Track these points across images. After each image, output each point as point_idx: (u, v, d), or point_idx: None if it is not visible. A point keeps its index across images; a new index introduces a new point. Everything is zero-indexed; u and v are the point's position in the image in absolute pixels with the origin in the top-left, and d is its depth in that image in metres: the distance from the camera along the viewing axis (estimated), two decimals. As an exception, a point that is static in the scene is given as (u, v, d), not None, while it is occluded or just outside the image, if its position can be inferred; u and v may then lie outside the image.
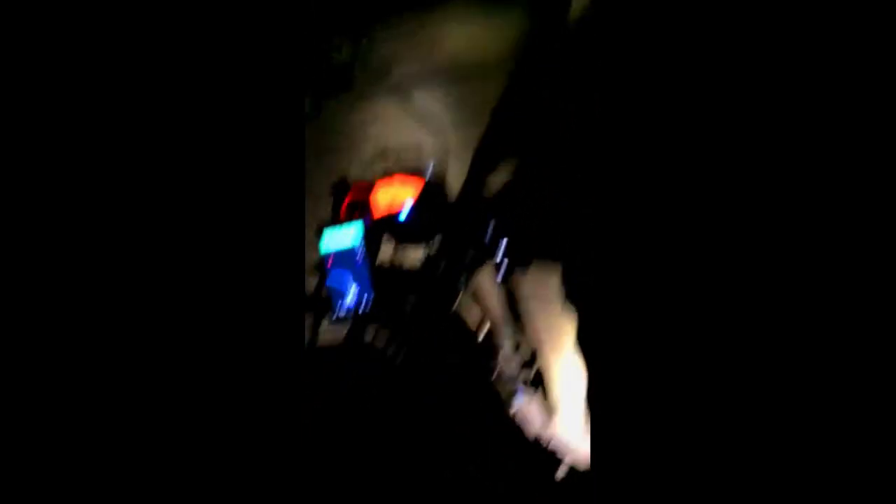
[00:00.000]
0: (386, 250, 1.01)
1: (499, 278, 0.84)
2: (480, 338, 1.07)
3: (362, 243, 0.90)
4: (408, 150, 1.07)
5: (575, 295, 0.65)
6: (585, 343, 0.64)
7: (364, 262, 0.88)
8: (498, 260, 0.79)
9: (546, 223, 0.66)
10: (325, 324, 0.95)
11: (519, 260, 0.74)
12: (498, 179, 0.72)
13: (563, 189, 0.64)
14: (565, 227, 0.64)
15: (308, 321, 0.95)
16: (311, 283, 0.99)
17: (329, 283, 0.90)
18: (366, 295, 0.88)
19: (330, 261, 0.91)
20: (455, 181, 1.04)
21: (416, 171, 1.00)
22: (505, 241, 0.73)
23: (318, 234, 0.95)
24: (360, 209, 1.00)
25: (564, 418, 0.89)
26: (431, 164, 1.02)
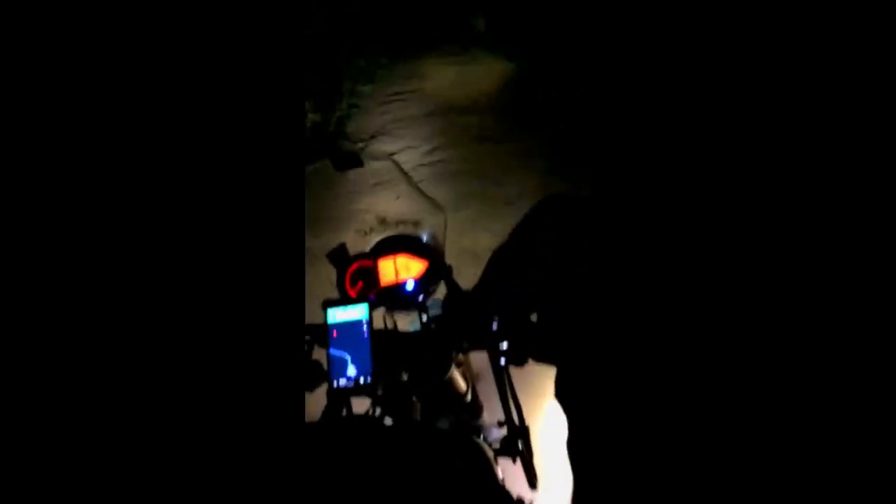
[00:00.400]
0: (379, 318, 1.06)
1: (494, 366, 0.89)
2: (468, 399, 1.12)
3: (368, 320, 0.94)
4: (406, 222, 1.14)
5: (564, 395, 0.68)
6: (572, 449, 0.65)
7: (368, 338, 0.92)
8: (496, 356, 0.83)
9: (547, 331, 0.72)
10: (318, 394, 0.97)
11: (517, 360, 0.78)
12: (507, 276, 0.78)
13: (564, 282, 0.70)
14: (563, 323, 0.69)
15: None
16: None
17: (332, 353, 0.93)
18: (366, 370, 0.91)
19: (334, 332, 0.95)
20: (451, 256, 1.12)
21: (416, 249, 1.06)
22: (505, 344, 0.77)
23: (323, 306, 0.98)
24: (364, 278, 1.05)
25: (547, 491, 0.95)
26: (430, 238, 1.09)
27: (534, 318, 0.70)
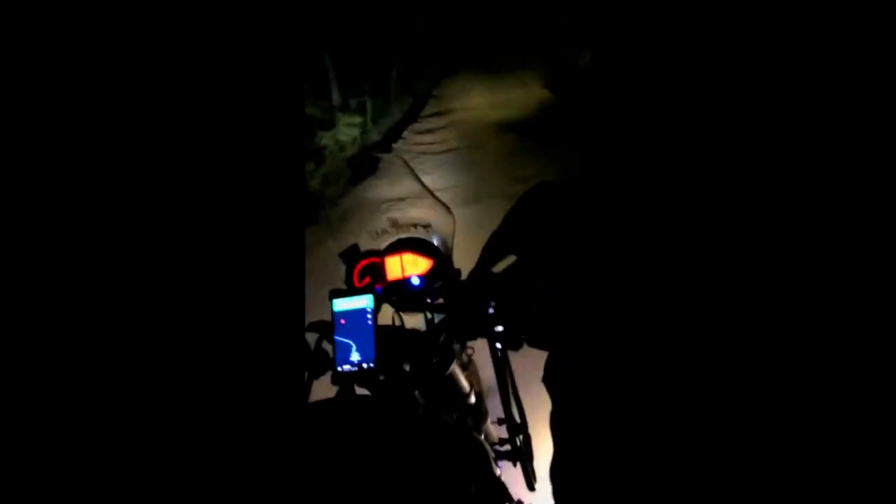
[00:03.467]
0: (386, 315, 1.08)
1: (493, 356, 0.90)
2: (471, 401, 1.13)
3: (373, 308, 0.97)
4: (417, 225, 1.18)
5: (552, 380, 0.68)
6: (554, 421, 0.66)
7: (372, 325, 0.95)
8: (493, 340, 0.85)
9: (542, 314, 0.72)
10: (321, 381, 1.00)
11: (512, 343, 0.79)
12: (502, 263, 0.80)
13: (562, 278, 0.71)
14: (558, 319, 0.70)
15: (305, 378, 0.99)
16: (313, 340, 1.05)
17: (337, 339, 0.96)
18: (369, 357, 0.94)
19: (340, 321, 0.97)
20: (459, 256, 1.14)
21: (423, 248, 1.09)
22: (501, 327, 0.78)
23: (330, 296, 1.02)
24: (371, 273, 1.08)
25: (546, 495, 0.94)
26: (440, 242, 1.12)
27: (529, 301, 0.71)
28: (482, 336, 0.85)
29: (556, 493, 0.60)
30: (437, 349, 0.97)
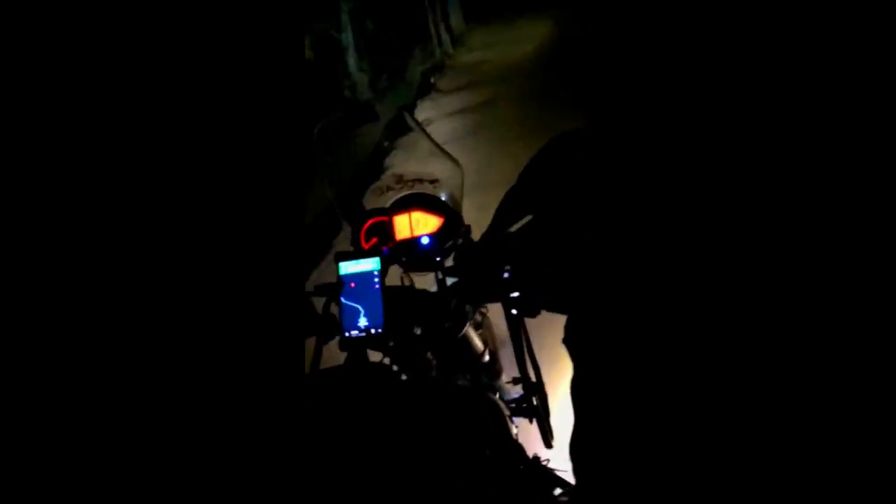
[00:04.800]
0: (394, 276, 1.05)
1: (508, 320, 0.87)
2: (485, 359, 1.11)
3: (380, 271, 0.93)
4: (423, 180, 1.12)
5: (571, 341, 0.67)
6: (576, 387, 0.64)
7: (380, 289, 0.92)
8: (508, 306, 0.82)
9: (559, 280, 0.70)
10: (330, 345, 0.98)
11: (528, 310, 0.77)
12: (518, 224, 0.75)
13: (576, 238, 0.68)
14: (575, 277, 0.67)
15: (312, 343, 0.98)
16: (320, 306, 1.03)
17: (343, 304, 0.93)
18: (377, 321, 0.91)
19: (347, 284, 0.95)
20: (468, 214, 1.09)
21: (432, 205, 1.04)
22: (517, 293, 0.75)
23: (336, 259, 0.98)
24: (379, 234, 1.04)
25: (563, 450, 0.94)
26: (449, 197, 1.07)
27: (546, 264, 0.67)
28: (497, 301, 0.82)
29: (577, 467, 0.58)
30: (450, 313, 0.95)
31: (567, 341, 0.64)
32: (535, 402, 0.98)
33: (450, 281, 1.00)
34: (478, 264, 0.81)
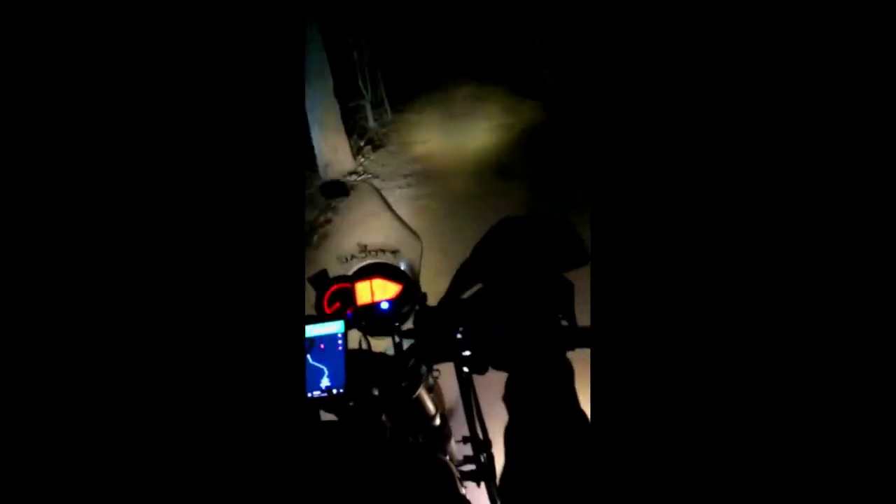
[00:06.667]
0: (354, 339, 1.11)
1: (459, 378, 0.94)
2: (436, 423, 1.16)
3: (343, 334, 0.99)
4: (385, 251, 1.21)
5: (510, 397, 0.70)
6: (508, 435, 0.67)
7: (343, 351, 0.97)
8: (459, 364, 0.88)
9: (505, 341, 0.75)
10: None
11: (477, 368, 0.83)
12: (469, 288, 0.84)
13: (527, 303, 0.77)
14: (524, 340, 0.75)
15: None
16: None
17: (308, 365, 0.98)
18: (340, 382, 0.96)
19: (310, 346, 0.99)
20: (426, 282, 1.18)
21: (392, 273, 1.13)
22: (468, 352, 0.82)
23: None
24: (342, 299, 1.11)
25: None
26: (408, 267, 1.16)
27: (494, 328, 0.76)
28: (449, 360, 0.89)
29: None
30: (406, 373, 1.01)
31: (506, 398, 0.72)
32: (482, 461, 1.03)
33: (406, 344, 1.07)
34: (433, 325, 0.88)
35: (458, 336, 0.80)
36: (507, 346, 0.74)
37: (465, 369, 0.82)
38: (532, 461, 0.62)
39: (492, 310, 0.75)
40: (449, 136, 6.00)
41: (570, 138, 5.07)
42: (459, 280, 0.81)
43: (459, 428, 1.14)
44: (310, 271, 1.22)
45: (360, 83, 6.22)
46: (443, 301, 0.84)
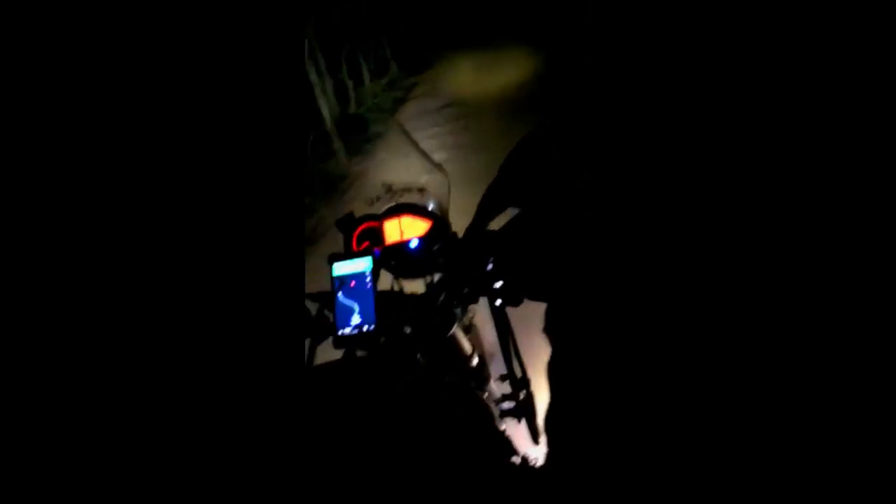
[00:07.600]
0: (386, 281, 1.08)
1: (493, 313, 0.90)
2: (473, 363, 1.14)
3: (372, 271, 0.97)
4: (411, 189, 1.17)
5: (552, 330, 0.68)
6: (552, 372, 0.65)
7: (372, 288, 0.95)
8: (492, 297, 0.85)
9: (541, 265, 0.72)
10: (323, 345, 1.00)
11: (511, 299, 0.79)
12: (498, 220, 0.79)
13: (558, 233, 0.71)
14: (558, 269, 0.70)
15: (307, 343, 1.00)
16: (314, 309, 1.05)
17: (337, 303, 0.96)
18: (370, 319, 0.94)
19: (339, 285, 0.98)
20: (455, 218, 1.14)
21: (421, 210, 1.08)
22: (500, 283, 0.78)
23: (329, 260, 1.01)
24: (370, 238, 1.08)
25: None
26: (436, 205, 1.11)
27: (529, 254, 0.71)
28: (481, 293, 0.85)
29: (552, 442, 0.61)
30: (438, 311, 0.98)
31: (547, 329, 0.67)
32: (521, 399, 1.00)
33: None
34: (462, 257, 0.84)
35: (489, 267, 0.75)
36: (541, 272, 0.68)
37: (499, 302, 0.78)
38: (579, 396, 0.58)
39: (522, 235, 0.69)
40: (478, 78, 5.95)
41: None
42: (486, 205, 0.76)
43: (500, 370, 1.12)
44: (338, 214, 1.20)
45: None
46: (469, 229, 0.79)
